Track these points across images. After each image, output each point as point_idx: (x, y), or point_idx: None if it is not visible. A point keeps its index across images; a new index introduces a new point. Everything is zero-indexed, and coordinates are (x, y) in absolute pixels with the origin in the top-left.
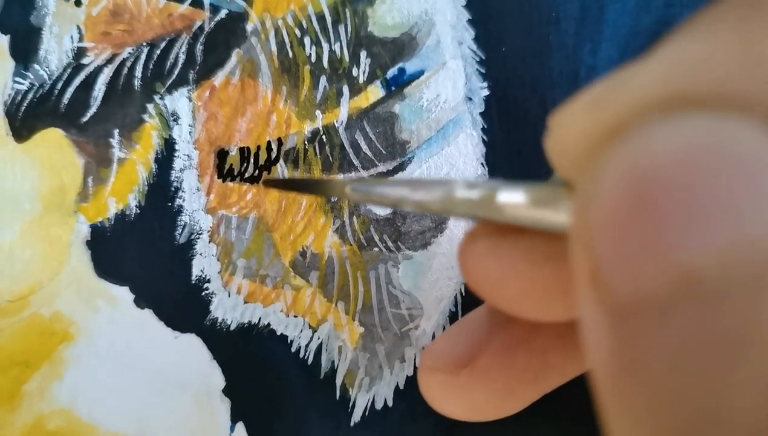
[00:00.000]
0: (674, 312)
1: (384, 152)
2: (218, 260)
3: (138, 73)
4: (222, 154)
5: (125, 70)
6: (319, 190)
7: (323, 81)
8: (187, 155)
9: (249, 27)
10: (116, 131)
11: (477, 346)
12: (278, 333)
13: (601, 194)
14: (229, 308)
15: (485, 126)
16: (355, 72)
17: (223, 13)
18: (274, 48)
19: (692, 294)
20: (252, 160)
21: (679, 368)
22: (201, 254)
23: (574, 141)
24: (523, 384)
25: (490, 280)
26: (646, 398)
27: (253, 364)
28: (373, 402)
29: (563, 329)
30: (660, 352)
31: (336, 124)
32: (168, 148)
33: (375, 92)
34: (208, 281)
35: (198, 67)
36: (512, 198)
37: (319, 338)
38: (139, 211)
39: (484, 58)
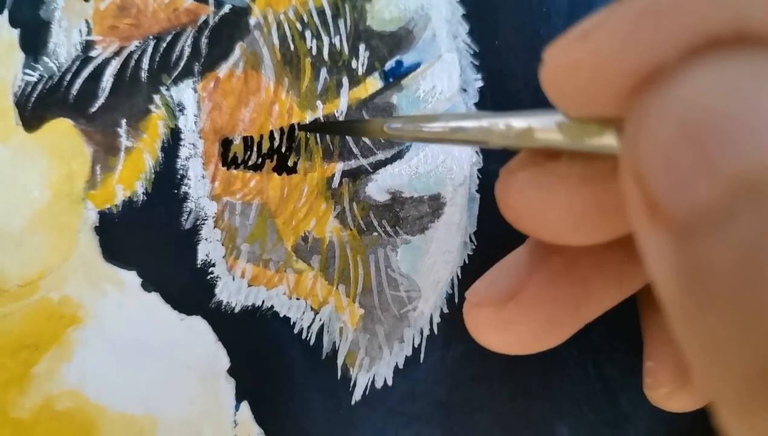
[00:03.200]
0: (734, 219)
1: (382, 141)
2: (223, 244)
3: (145, 65)
4: (226, 143)
5: (132, 63)
6: (357, 131)
7: (324, 73)
8: (193, 144)
9: (252, 21)
10: (124, 121)
11: (519, 281)
12: (281, 315)
13: (652, 127)
14: (233, 291)
15: None
16: (354, 64)
17: (226, 8)
18: (276, 41)
19: (750, 199)
20: (255, 149)
21: (746, 273)
22: (206, 239)
23: (606, 77)
24: (564, 314)
25: (530, 209)
26: (716, 309)
27: (257, 345)
28: (373, 381)
29: (601, 258)
30: (725, 261)
31: (336, 114)
32: (174, 138)
33: (374, 84)
34: (213, 265)
35: (203, 60)
36: (549, 124)
37: (320, 320)
38: (146, 198)
39: (478, 51)
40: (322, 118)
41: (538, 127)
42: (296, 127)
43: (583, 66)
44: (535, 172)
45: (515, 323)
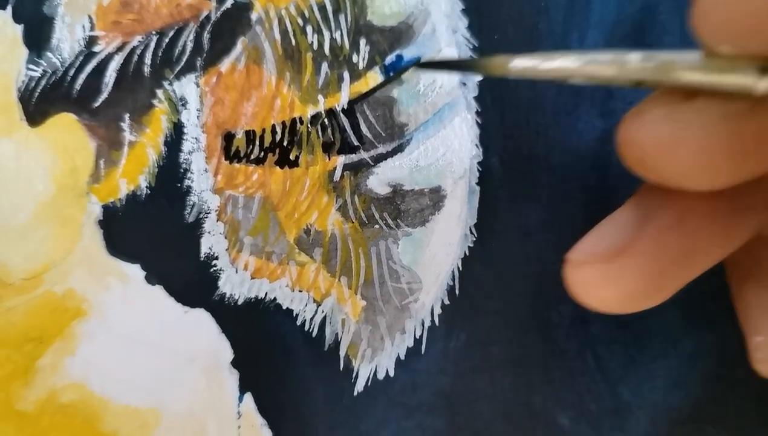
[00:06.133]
0: None
1: (383, 134)
2: (226, 237)
3: (147, 60)
4: (229, 137)
5: (135, 58)
6: (477, 69)
7: (325, 67)
8: (195, 138)
9: (253, 16)
10: (127, 116)
11: (628, 237)
12: (284, 307)
13: None
14: (236, 283)
15: (479, 109)
16: (355, 58)
17: (228, 3)
18: (277, 36)
19: None
20: (257, 143)
21: None
22: (209, 233)
23: None
24: (674, 268)
25: (661, 147)
26: None
27: (260, 337)
28: (375, 373)
29: (710, 209)
30: None
31: (337, 108)
32: (177, 132)
33: (374, 78)
34: (216, 258)
35: (205, 55)
36: (691, 59)
37: (323, 312)
38: (149, 191)
39: (477, 45)
40: (323, 113)
41: (680, 61)
42: (417, 65)
43: None
44: (671, 109)
45: (624, 279)
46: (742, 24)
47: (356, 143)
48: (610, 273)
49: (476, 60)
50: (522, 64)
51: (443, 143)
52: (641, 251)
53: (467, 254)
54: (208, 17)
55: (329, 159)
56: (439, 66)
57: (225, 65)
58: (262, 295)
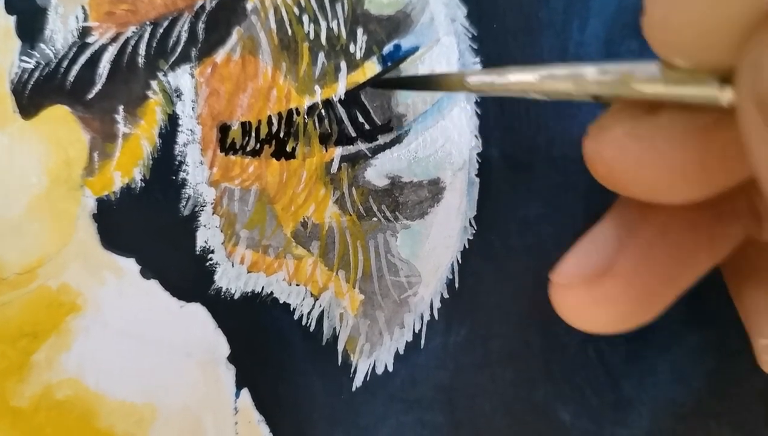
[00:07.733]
0: None
1: (381, 125)
2: (222, 231)
3: (142, 51)
4: (224, 129)
5: (129, 49)
6: (435, 86)
7: (321, 57)
8: (191, 130)
9: (249, 6)
10: (121, 107)
11: (610, 255)
12: (281, 302)
13: None
14: (232, 277)
15: (478, 100)
16: (352, 48)
17: None
18: (273, 26)
19: None
20: (253, 134)
21: None
22: (205, 226)
23: (720, 17)
24: (661, 284)
25: (627, 164)
26: None
27: (257, 332)
28: (373, 367)
29: (691, 221)
30: None
31: (334, 99)
32: (172, 124)
33: (372, 68)
34: (212, 252)
35: (200, 45)
36: (650, 72)
37: (320, 306)
38: (144, 184)
39: (476, 34)
40: (320, 103)
41: (638, 74)
42: (370, 84)
43: (696, 8)
44: (634, 125)
45: (611, 300)
46: (692, 39)
47: (354, 134)
48: (596, 295)
49: (434, 76)
50: (479, 79)
51: (442, 134)
52: (625, 269)
53: (467, 246)
54: (202, 7)
55: (326, 151)
56: (396, 84)
57: (220, 56)
58: (258, 289)
